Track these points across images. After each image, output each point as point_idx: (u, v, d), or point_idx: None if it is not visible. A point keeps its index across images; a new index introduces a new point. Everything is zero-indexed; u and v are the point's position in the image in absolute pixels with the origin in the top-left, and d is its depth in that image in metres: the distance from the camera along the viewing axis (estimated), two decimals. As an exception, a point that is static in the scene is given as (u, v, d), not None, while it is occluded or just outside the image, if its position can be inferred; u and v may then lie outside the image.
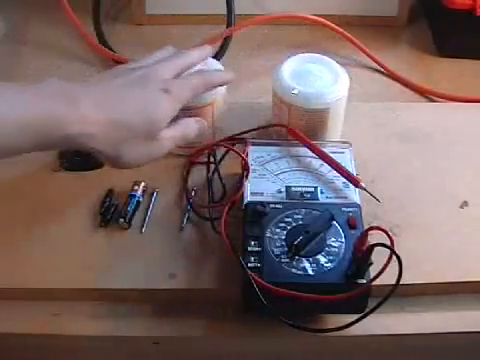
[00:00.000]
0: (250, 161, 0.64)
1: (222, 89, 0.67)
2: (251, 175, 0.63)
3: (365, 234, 0.54)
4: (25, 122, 0.49)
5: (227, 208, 0.60)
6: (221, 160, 0.67)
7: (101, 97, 0.55)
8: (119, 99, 0.56)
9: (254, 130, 0.69)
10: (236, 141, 0.68)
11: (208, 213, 0.64)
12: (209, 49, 0.67)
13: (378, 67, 0.86)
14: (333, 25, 0.84)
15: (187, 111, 0.66)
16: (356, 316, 0.54)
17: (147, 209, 0.65)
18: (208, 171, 0.68)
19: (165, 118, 0.58)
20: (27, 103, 0.50)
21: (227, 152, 0.67)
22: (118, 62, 0.84)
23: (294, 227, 0.58)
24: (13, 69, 0.85)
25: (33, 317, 0.59)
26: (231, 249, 0.56)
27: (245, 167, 0.63)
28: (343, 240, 0.57)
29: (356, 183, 0.62)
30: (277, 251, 0.56)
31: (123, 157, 0.56)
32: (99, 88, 0.56)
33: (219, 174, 0.67)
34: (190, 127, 0.63)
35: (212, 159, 0.68)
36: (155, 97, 0.57)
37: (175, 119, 0.60)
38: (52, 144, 0.53)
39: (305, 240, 0.56)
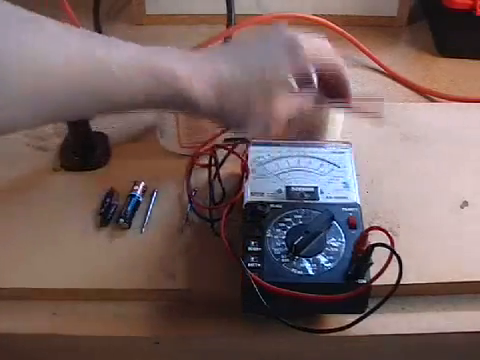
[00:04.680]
0: (250, 161, 0.64)
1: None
2: (251, 175, 0.62)
3: (365, 234, 0.54)
4: (136, 72, 0.47)
5: (227, 211, 0.60)
6: (222, 163, 0.67)
7: (217, 54, 0.53)
8: (233, 55, 0.53)
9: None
10: (237, 142, 0.68)
11: (208, 214, 0.64)
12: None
13: (378, 67, 0.86)
14: (333, 25, 0.84)
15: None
16: (356, 316, 0.54)
17: (147, 209, 0.65)
18: (210, 173, 0.67)
19: (283, 74, 0.53)
20: (142, 53, 0.49)
21: (228, 154, 0.67)
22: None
23: (294, 227, 0.58)
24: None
25: (33, 317, 0.59)
26: (231, 251, 0.56)
27: (245, 169, 0.63)
28: (343, 240, 0.57)
29: None
30: (277, 251, 0.56)
31: (241, 119, 0.52)
32: (218, 49, 0.54)
33: (219, 177, 0.67)
34: (306, 97, 0.56)
35: (213, 161, 0.67)
36: (275, 52, 0.53)
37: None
38: (162, 96, 0.49)
39: (305, 240, 0.56)
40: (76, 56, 0.45)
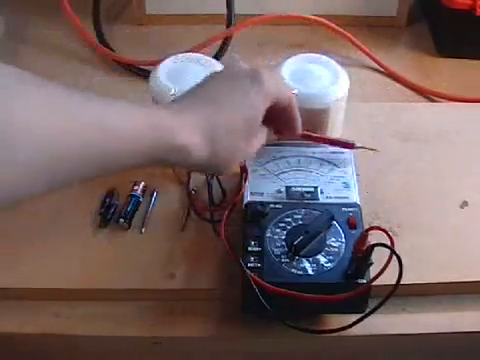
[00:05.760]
0: (250, 161, 0.64)
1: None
2: (251, 175, 0.62)
3: (365, 234, 0.54)
4: (139, 133, 0.48)
5: (227, 212, 0.60)
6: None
7: (201, 104, 0.53)
8: (217, 104, 0.54)
9: None
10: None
11: (209, 215, 0.64)
12: None
13: (378, 67, 0.86)
14: (333, 25, 0.84)
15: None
16: (357, 316, 0.54)
17: (147, 209, 0.65)
18: (207, 173, 0.67)
19: (261, 112, 0.55)
20: (139, 114, 0.49)
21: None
22: (118, 62, 0.84)
23: (294, 227, 0.58)
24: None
25: (33, 317, 0.59)
26: (231, 251, 0.56)
27: (243, 170, 0.63)
28: (343, 240, 0.57)
29: (351, 146, 0.65)
30: (277, 251, 0.56)
31: (226, 163, 0.55)
32: (199, 96, 0.54)
33: (217, 177, 0.67)
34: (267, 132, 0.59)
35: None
36: (248, 91, 0.54)
37: None
38: (162, 156, 0.50)
39: (305, 240, 0.56)
40: (78, 123, 0.45)
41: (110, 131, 0.46)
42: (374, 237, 0.53)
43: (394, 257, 0.51)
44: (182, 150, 0.51)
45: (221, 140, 0.53)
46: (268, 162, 0.64)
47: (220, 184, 0.67)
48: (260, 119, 0.55)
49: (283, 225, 0.58)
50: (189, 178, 0.67)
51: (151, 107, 0.52)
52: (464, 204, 0.66)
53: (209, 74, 0.58)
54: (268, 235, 0.57)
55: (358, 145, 0.66)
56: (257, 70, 0.56)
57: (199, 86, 0.56)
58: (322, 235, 0.57)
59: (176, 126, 0.50)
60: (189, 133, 0.51)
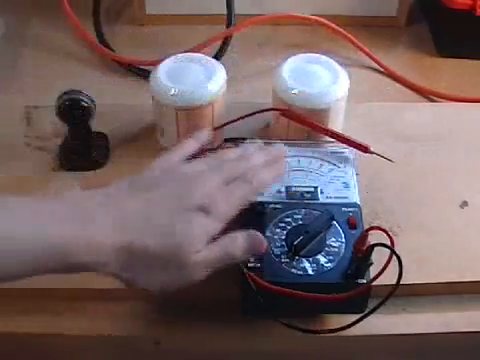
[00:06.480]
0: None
1: (222, 89, 0.67)
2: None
3: (365, 234, 0.54)
4: (31, 248, 0.45)
5: None
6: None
7: (120, 217, 0.49)
8: (141, 221, 0.49)
9: (242, 118, 0.68)
10: (235, 142, 0.68)
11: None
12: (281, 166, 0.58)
13: (378, 67, 0.86)
14: (333, 25, 0.84)
15: (186, 111, 0.66)
16: (356, 316, 0.54)
17: (147, 209, 0.65)
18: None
19: (197, 243, 0.49)
20: (36, 226, 0.46)
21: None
22: (118, 62, 0.84)
23: (294, 227, 0.58)
24: (13, 69, 0.85)
25: (33, 317, 0.59)
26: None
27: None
28: (343, 240, 0.57)
29: (365, 149, 0.65)
30: (277, 251, 0.56)
31: (141, 284, 0.50)
32: (121, 206, 0.49)
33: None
34: (235, 246, 0.52)
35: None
36: (187, 218, 0.49)
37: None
38: (58, 270, 0.47)
39: (305, 240, 0.56)
40: None
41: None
42: (374, 237, 0.53)
43: (394, 257, 0.51)
44: (87, 266, 0.47)
45: (138, 262, 0.49)
46: (268, 162, 0.64)
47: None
48: (195, 249, 0.49)
49: (283, 225, 0.58)
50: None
51: (54, 213, 0.47)
52: (464, 204, 0.67)
53: (157, 175, 0.53)
54: (268, 235, 0.57)
55: (375, 151, 0.66)
56: (211, 200, 0.50)
57: (135, 191, 0.51)
58: (322, 235, 0.57)
59: (80, 243, 0.46)
60: (96, 252, 0.47)
